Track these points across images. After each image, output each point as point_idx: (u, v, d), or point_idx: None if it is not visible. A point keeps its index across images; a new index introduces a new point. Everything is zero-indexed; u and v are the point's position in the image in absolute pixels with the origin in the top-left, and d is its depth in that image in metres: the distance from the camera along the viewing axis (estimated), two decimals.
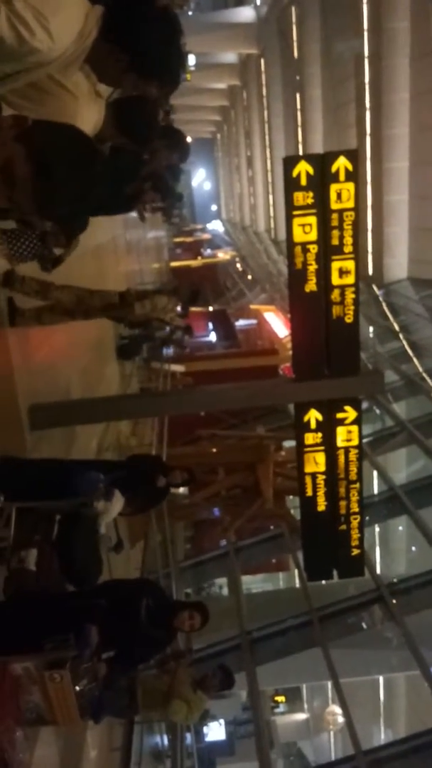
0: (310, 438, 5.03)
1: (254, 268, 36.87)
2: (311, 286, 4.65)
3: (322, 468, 5.08)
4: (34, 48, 1.87)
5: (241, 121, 43.08)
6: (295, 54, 25.69)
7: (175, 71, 2.30)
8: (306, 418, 4.99)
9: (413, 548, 15.04)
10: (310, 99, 24.59)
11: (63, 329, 5.79)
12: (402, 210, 17.87)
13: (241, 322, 27.59)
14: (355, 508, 5.20)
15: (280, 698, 20.49)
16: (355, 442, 5.03)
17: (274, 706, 20.08)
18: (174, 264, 35.17)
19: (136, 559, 8.36)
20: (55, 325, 5.31)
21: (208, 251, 46.61)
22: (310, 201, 4.51)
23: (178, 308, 6.56)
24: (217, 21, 34.23)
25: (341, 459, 5.07)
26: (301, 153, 23.24)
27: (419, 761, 6.74)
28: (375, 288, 18.68)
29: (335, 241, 4.58)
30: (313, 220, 4.53)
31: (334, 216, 4.54)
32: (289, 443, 8.86)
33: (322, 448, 5.04)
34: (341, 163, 4.49)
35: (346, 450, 5.05)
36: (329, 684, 11.40)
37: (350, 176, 4.50)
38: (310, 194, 4.50)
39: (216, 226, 61.46)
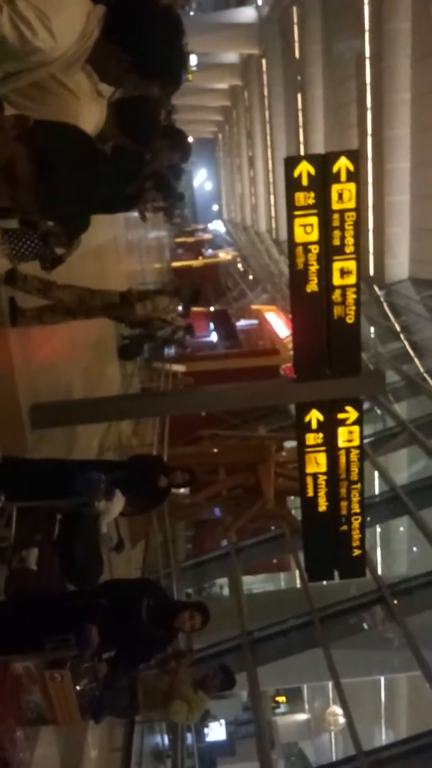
0: (311, 438, 5.03)
1: (255, 269, 36.87)
2: (312, 286, 4.65)
3: (323, 468, 5.08)
4: (37, 47, 1.87)
5: (242, 121, 43.09)
6: (297, 54, 25.68)
7: (176, 71, 2.30)
8: (307, 419, 4.99)
9: (414, 549, 15.04)
10: (311, 99, 24.59)
11: (64, 329, 5.79)
12: (403, 210, 17.86)
13: (242, 323, 27.58)
14: (356, 508, 5.20)
15: (281, 698, 20.49)
16: (357, 442, 5.03)
17: (275, 707, 20.08)
18: (175, 264, 35.19)
19: (137, 559, 8.37)
20: (56, 324, 5.31)
21: (210, 251, 46.62)
22: (311, 201, 4.51)
23: (180, 308, 6.57)
24: (219, 21, 34.24)
25: (342, 459, 5.07)
26: (302, 153, 23.22)
27: (420, 762, 6.73)
28: (376, 288, 18.67)
29: (336, 242, 4.58)
30: (314, 220, 4.53)
31: (336, 216, 4.54)
32: (291, 443, 8.87)
33: (323, 448, 5.04)
34: (342, 164, 4.49)
35: (348, 450, 5.05)
36: (330, 684, 11.41)
37: (351, 177, 4.50)
38: (312, 194, 4.51)
39: (217, 226, 61.47)
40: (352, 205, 4.53)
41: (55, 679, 3.30)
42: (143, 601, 3.98)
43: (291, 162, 4.52)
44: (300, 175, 4.47)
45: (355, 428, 4.99)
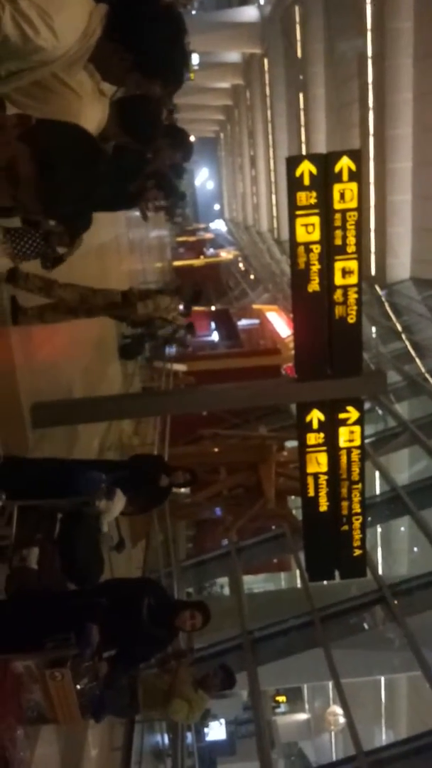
0: (312, 438, 5.03)
1: (257, 268, 36.85)
2: (314, 286, 4.65)
3: (324, 468, 5.08)
4: (39, 46, 1.87)
5: (244, 120, 43.06)
6: (299, 53, 25.67)
7: (178, 70, 2.29)
8: (308, 419, 4.99)
9: (415, 549, 15.04)
10: (313, 98, 24.56)
11: (65, 328, 5.79)
12: (405, 210, 17.84)
13: (243, 322, 27.54)
14: (357, 508, 5.20)
15: (281, 698, 20.49)
16: (358, 442, 5.03)
17: (275, 706, 20.08)
18: (177, 263, 35.17)
19: (137, 558, 8.37)
20: (57, 323, 5.31)
21: (211, 251, 46.59)
22: (313, 201, 4.51)
23: (181, 307, 6.57)
24: (221, 20, 34.20)
25: (343, 459, 5.06)
26: (304, 153, 23.22)
27: (421, 762, 6.73)
28: (378, 288, 18.66)
29: (338, 241, 4.58)
30: (316, 220, 4.53)
31: (337, 216, 4.54)
32: (292, 443, 8.87)
33: (324, 448, 5.04)
34: (344, 163, 4.49)
35: (349, 450, 5.05)
36: (330, 684, 11.41)
37: (353, 176, 4.50)
38: (313, 194, 4.50)
39: (219, 225, 61.44)
40: (353, 204, 4.53)
41: (56, 678, 3.30)
42: (144, 600, 3.98)
43: (293, 161, 4.52)
44: (302, 175, 4.47)
45: (357, 428, 4.99)
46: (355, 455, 5.06)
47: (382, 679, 15.52)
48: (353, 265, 4.64)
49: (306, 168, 4.47)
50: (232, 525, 9.12)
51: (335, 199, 4.50)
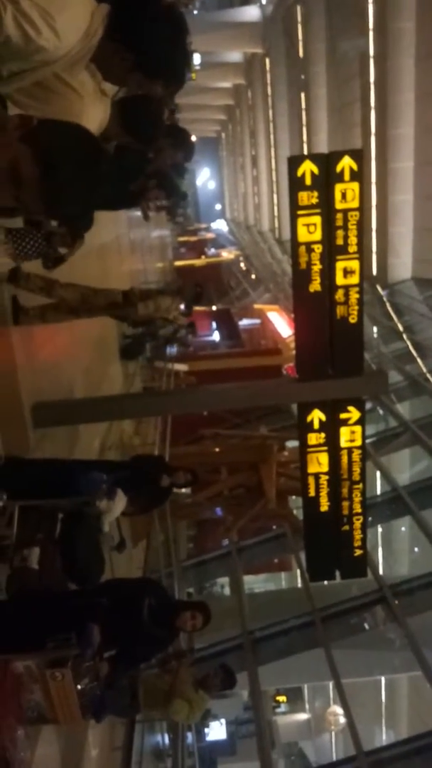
0: (313, 438, 5.02)
1: (258, 268, 36.84)
2: (315, 285, 4.65)
3: (325, 468, 5.08)
4: (41, 47, 1.87)
5: (245, 120, 43.04)
6: (300, 53, 25.66)
7: (180, 70, 2.29)
8: (309, 418, 4.99)
9: (416, 549, 15.03)
10: (315, 98, 24.55)
11: (66, 328, 5.79)
12: (407, 210, 17.83)
13: (244, 322, 27.52)
14: (358, 508, 5.19)
15: (282, 698, 20.47)
16: (359, 442, 5.03)
17: (275, 706, 20.06)
18: (178, 263, 35.16)
19: (138, 558, 8.37)
20: (59, 323, 5.31)
21: (212, 250, 46.57)
22: (314, 201, 4.51)
23: (182, 306, 6.56)
24: (223, 20, 34.18)
25: (344, 459, 5.06)
26: (305, 152, 23.21)
27: (421, 762, 6.73)
28: (379, 288, 18.65)
29: (340, 241, 4.58)
30: (317, 219, 4.53)
31: (339, 216, 4.53)
32: (293, 443, 8.85)
33: (325, 448, 5.04)
34: (346, 163, 4.48)
35: (350, 450, 5.04)
36: (331, 684, 11.40)
37: (355, 176, 4.49)
38: (315, 194, 4.50)
39: (220, 225, 61.42)
40: (355, 204, 4.52)
41: (56, 678, 3.30)
42: (145, 600, 3.98)
43: (294, 161, 4.51)
44: (303, 175, 4.47)
45: (358, 428, 4.99)
46: (356, 455, 5.05)
47: (383, 679, 15.52)
48: (355, 264, 4.63)
49: (307, 168, 4.46)
50: (233, 525, 9.11)
51: (337, 198, 4.50)
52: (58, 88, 2.07)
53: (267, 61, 33.08)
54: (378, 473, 11.09)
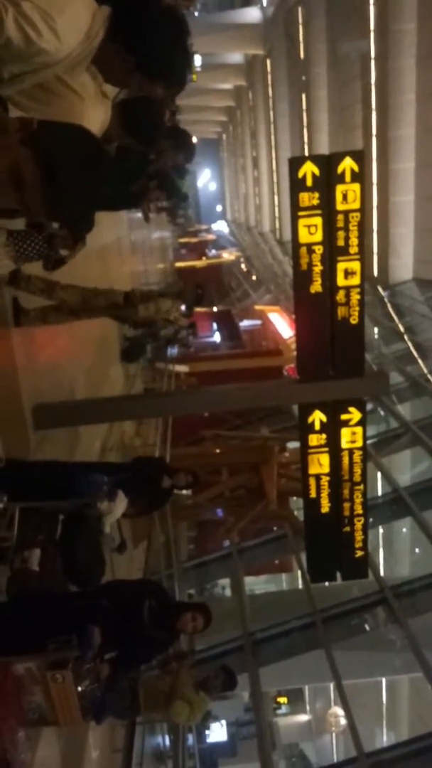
0: (314, 439, 5.02)
1: (259, 269, 36.84)
2: (316, 287, 4.65)
3: (326, 469, 5.08)
4: (42, 49, 1.87)
5: (246, 121, 43.06)
6: (301, 55, 25.66)
7: (181, 72, 2.29)
8: (310, 420, 4.99)
9: (417, 550, 15.02)
10: (316, 100, 24.56)
11: (67, 329, 5.79)
12: (408, 211, 17.84)
13: (245, 323, 27.52)
14: (359, 509, 5.19)
15: (283, 699, 20.46)
16: (360, 443, 5.03)
17: (276, 708, 20.05)
18: (179, 264, 35.17)
19: (139, 560, 8.36)
20: (60, 324, 5.32)
21: (213, 252, 46.57)
22: (315, 202, 4.51)
23: (183, 307, 6.56)
24: (224, 21, 34.19)
25: (345, 460, 5.06)
26: (306, 154, 23.22)
27: (421, 764, 6.72)
28: (380, 289, 18.65)
29: (341, 242, 4.58)
30: (318, 221, 4.53)
31: (340, 217, 4.53)
32: (294, 444, 8.85)
33: (326, 449, 5.03)
34: (347, 164, 4.48)
35: (351, 451, 5.04)
36: (332, 685, 11.38)
37: (356, 177, 4.50)
38: (316, 195, 4.50)
39: (221, 226, 61.43)
40: (356, 205, 4.53)
41: (57, 680, 3.30)
42: (145, 602, 3.97)
43: (295, 162, 4.52)
44: (304, 176, 4.47)
45: (359, 429, 4.99)
46: (357, 456, 5.05)
47: (384, 680, 15.50)
48: (356, 266, 4.64)
49: (308, 169, 4.47)
50: (234, 526, 9.10)
51: (338, 200, 4.50)
52: (60, 90, 2.07)
53: (268, 62, 33.09)
54: (379, 474, 11.09)
